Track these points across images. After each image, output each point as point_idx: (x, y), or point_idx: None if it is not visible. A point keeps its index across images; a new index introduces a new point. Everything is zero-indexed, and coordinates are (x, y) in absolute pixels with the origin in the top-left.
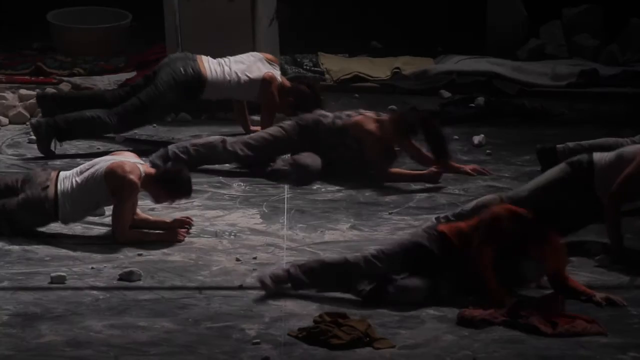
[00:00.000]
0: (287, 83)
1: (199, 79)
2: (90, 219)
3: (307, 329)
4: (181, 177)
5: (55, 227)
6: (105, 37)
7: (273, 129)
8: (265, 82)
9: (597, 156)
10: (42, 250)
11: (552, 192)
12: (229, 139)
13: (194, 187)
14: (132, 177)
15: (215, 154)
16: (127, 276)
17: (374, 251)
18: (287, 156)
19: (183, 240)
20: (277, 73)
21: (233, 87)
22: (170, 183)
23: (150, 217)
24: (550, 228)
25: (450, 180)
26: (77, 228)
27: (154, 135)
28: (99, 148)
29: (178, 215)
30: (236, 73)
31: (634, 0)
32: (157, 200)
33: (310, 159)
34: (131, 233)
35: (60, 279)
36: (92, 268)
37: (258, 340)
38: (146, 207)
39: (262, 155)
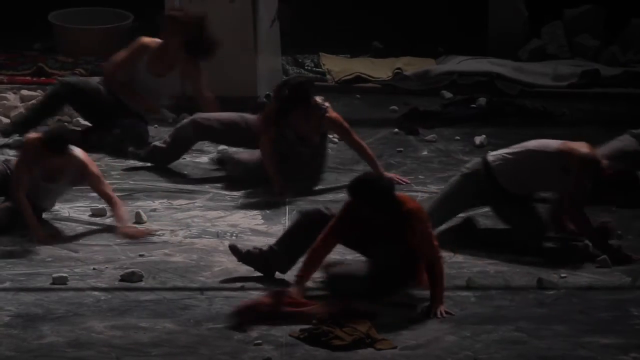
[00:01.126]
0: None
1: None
2: (92, 219)
3: (309, 330)
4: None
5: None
6: (106, 37)
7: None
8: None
9: (491, 157)
10: (44, 251)
11: (458, 201)
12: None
13: (195, 188)
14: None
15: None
16: (128, 277)
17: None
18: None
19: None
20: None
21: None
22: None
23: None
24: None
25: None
26: (78, 229)
27: (156, 135)
28: None
29: (180, 215)
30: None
31: (635, 0)
32: None
33: (247, 155)
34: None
35: (62, 280)
36: (94, 269)
37: (260, 341)
38: (148, 208)
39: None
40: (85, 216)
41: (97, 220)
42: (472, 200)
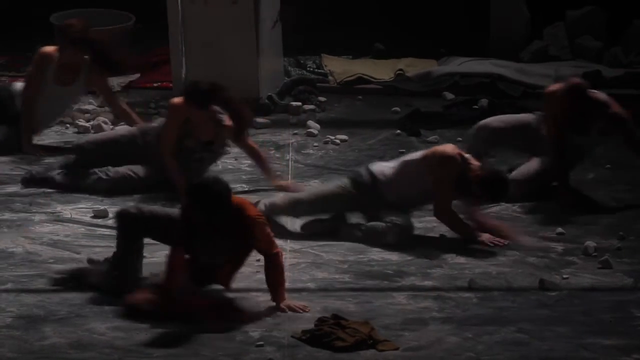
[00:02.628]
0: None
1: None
2: (94, 221)
3: (311, 331)
4: None
5: (56, 229)
6: (108, 39)
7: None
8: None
9: (377, 168)
10: (46, 252)
11: (336, 203)
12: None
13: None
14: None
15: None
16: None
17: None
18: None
19: None
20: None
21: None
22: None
23: None
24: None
25: None
26: (80, 230)
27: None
28: None
29: None
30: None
31: (637, 2)
32: None
33: (134, 169)
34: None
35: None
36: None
37: (262, 343)
38: None
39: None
40: (87, 217)
41: (99, 222)
42: (349, 205)
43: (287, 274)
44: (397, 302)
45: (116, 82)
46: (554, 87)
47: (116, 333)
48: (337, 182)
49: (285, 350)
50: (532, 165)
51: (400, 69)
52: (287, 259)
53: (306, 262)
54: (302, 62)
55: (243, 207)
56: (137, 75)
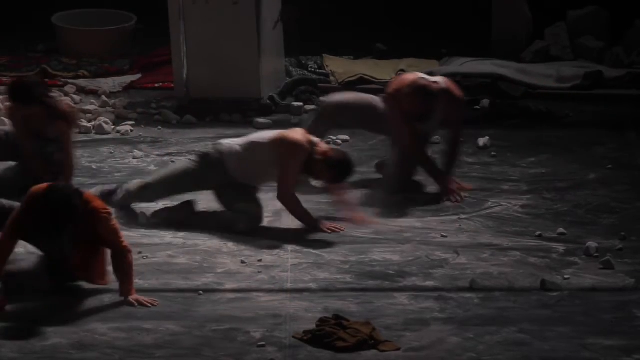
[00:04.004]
0: None
1: None
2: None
3: (312, 332)
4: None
5: None
6: (110, 39)
7: None
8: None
9: (225, 145)
10: None
11: (184, 181)
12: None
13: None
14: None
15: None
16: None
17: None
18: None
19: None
20: None
21: None
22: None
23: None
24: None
25: (455, 182)
26: None
27: (159, 137)
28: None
29: None
30: None
31: (639, 2)
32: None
33: None
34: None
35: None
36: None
37: (263, 343)
38: (150, 209)
39: None
40: None
41: None
42: (198, 183)
43: (289, 274)
44: (398, 302)
45: (117, 82)
46: (395, 86)
47: (117, 333)
48: (185, 160)
49: (287, 351)
50: (394, 159)
51: (402, 70)
52: (289, 260)
53: (308, 262)
54: (303, 62)
55: (88, 201)
56: (139, 76)
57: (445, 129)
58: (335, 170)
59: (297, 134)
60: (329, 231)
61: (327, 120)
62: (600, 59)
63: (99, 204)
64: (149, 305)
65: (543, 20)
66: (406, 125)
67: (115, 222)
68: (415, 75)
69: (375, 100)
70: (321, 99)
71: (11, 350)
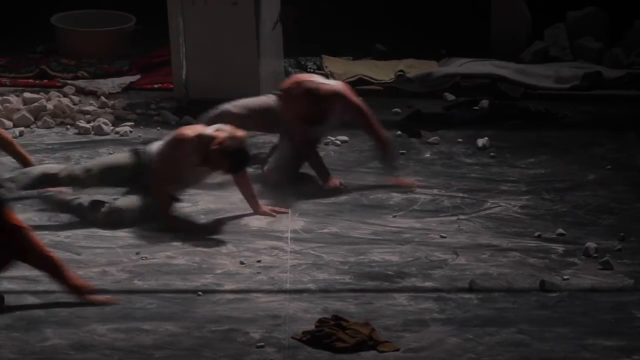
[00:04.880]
0: None
1: None
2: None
3: (311, 332)
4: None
5: (57, 230)
6: (109, 40)
7: None
8: None
9: (154, 146)
10: None
11: (116, 173)
12: None
13: (197, 190)
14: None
15: None
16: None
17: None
18: None
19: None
20: None
21: None
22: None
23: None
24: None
25: (454, 182)
26: (80, 231)
27: (158, 138)
28: None
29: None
30: None
31: (638, 2)
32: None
33: None
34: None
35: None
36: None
37: (262, 344)
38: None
39: None
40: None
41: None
42: (132, 178)
43: (288, 275)
44: (397, 303)
45: (116, 83)
46: (288, 86)
47: (117, 334)
48: (123, 154)
49: (286, 352)
50: (283, 152)
51: (401, 70)
52: (288, 260)
53: (307, 263)
54: (302, 62)
55: (10, 217)
56: (138, 76)
57: (366, 134)
58: (231, 160)
59: (190, 128)
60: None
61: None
62: (600, 60)
63: (19, 221)
64: (107, 303)
65: (542, 21)
66: (298, 124)
67: (32, 235)
68: (307, 77)
69: (271, 101)
70: (219, 106)
71: (11, 351)
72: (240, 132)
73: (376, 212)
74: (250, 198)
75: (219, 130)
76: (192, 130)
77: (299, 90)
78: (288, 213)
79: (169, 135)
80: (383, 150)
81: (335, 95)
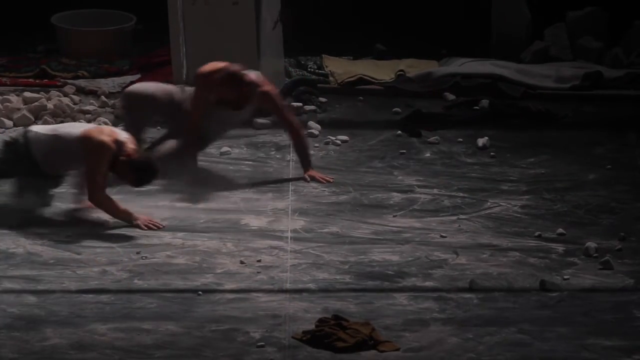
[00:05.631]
0: None
1: None
2: (95, 220)
3: (312, 332)
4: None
5: (57, 229)
6: (109, 39)
7: None
8: None
9: (34, 133)
10: (47, 252)
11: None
12: None
13: (197, 190)
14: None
15: None
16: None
17: None
18: None
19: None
20: None
21: None
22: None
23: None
24: None
25: (454, 182)
26: (81, 231)
27: (156, 137)
28: None
29: (183, 216)
30: None
31: (638, 2)
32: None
33: None
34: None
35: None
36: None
37: (262, 343)
38: (151, 209)
39: None
40: (88, 216)
41: (101, 222)
42: (10, 169)
43: (289, 275)
44: (398, 302)
45: (117, 82)
46: (207, 71)
47: (117, 334)
48: None
49: (286, 351)
50: (171, 141)
51: (401, 70)
52: (288, 260)
53: (307, 262)
54: (303, 62)
55: None
56: (138, 76)
57: (281, 127)
58: (137, 174)
59: (104, 133)
60: (145, 227)
61: (135, 111)
62: (600, 60)
63: None
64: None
65: (542, 21)
66: (201, 110)
67: None
68: (226, 64)
69: (174, 90)
70: (124, 89)
71: (11, 351)
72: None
73: (376, 212)
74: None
75: (132, 140)
76: (107, 134)
77: (222, 74)
78: (332, 181)
79: (68, 129)
80: (296, 142)
81: (255, 81)
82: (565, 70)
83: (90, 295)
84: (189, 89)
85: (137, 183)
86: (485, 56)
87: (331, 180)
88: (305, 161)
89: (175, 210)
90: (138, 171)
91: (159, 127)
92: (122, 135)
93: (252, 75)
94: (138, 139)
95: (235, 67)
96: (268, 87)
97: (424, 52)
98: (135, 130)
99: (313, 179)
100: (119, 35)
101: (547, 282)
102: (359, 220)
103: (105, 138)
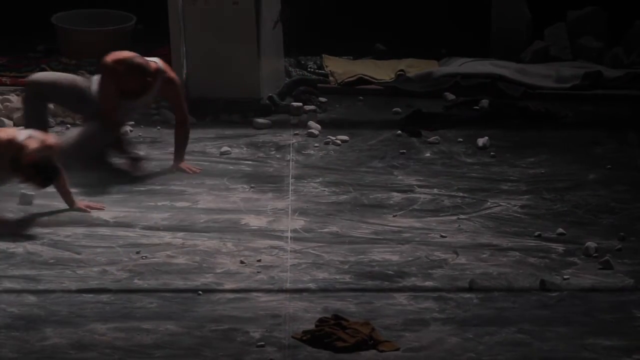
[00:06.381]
0: None
1: None
2: (95, 220)
3: (312, 332)
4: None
5: (57, 229)
6: (109, 39)
7: None
8: None
9: None
10: (47, 252)
11: None
12: None
13: (199, 190)
14: None
15: None
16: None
17: None
18: None
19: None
20: None
21: None
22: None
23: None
24: None
25: (454, 182)
26: (80, 230)
27: (159, 137)
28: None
29: (183, 216)
30: None
31: (638, 2)
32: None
33: None
34: None
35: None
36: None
37: (262, 343)
38: (151, 209)
39: None
40: (87, 217)
41: (101, 222)
42: None
43: (289, 275)
44: (397, 302)
45: None
46: (112, 61)
47: (117, 333)
48: None
49: (286, 351)
50: (76, 130)
51: (401, 70)
52: (288, 260)
53: (307, 262)
54: (303, 62)
55: None
56: None
57: (172, 113)
58: (43, 175)
59: (5, 132)
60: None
61: (37, 101)
62: (600, 59)
63: None
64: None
65: (542, 21)
66: (113, 100)
67: None
68: (127, 54)
69: (79, 80)
70: (28, 78)
71: (11, 350)
72: (50, 140)
73: (376, 212)
74: (65, 193)
75: (30, 139)
76: (7, 134)
77: (125, 65)
78: (103, 209)
79: None
80: (181, 134)
81: (159, 70)
82: (566, 70)
83: (90, 295)
84: (93, 77)
85: (44, 184)
86: (485, 56)
87: (198, 171)
88: (180, 154)
89: (175, 210)
90: (43, 173)
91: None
92: (23, 135)
93: (155, 62)
94: (43, 129)
95: (138, 57)
96: (171, 74)
97: (424, 52)
98: (38, 121)
99: (179, 169)
100: (119, 35)
101: (547, 282)
102: (359, 220)
103: (5, 137)
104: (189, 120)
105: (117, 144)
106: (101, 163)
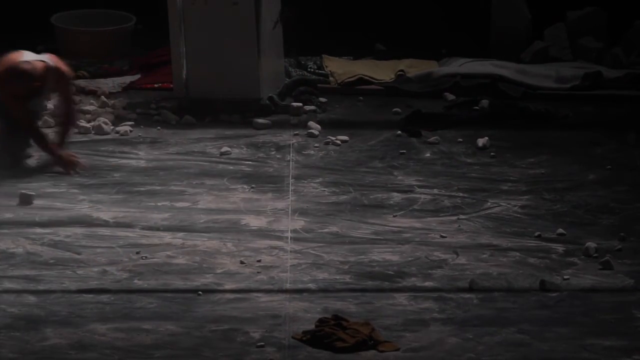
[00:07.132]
0: None
1: None
2: (95, 221)
3: (311, 332)
4: None
5: (57, 229)
6: (109, 39)
7: None
8: None
9: None
10: (47, 252)
11: None
12: None
13: (199, 190)
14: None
15: None
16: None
17: None
18: None
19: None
20: None
21: None
22: None
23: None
24: None
25: (454, 182)
26: (80, 231)
27: (159, 138)
28: None
29: (183, 216)
30: None
31: (638, 3)
32: None
33: None
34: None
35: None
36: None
37: (262, 343)
38: (150, 209)
39: None
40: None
41: (101, 222)
42: None
43: (289, 275)
44: (398, 302)
45: (117, 82)
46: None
47: (117, 334)
48: None
49: (286, 351)
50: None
51: (401, 70)
52: (288, 260)
53: (307, 262)
54: (303, 62)
55: None
56: (138, 76)
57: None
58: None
59: None
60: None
61: None
62: (600, 60)
63: None
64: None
65: (542, 21)
66: (16, 102)
67: None
68: (15, 59)
69: None
70: None
71: (10, 351)
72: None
73: (376, 212)
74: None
75: None
76: None
77: (9, 74)
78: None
79: None
80: (66, 128)
81: (48, 69)
82: (566, 70)
83: (90, 295)
84: None
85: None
86: (485, 56)
87: (85, 166)
88: (61, 144)
89: (175, 210)
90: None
91: None
92: None
93: (44, 60)
94: None
95: (24, 62)
96: (63, 68)
97: (424, 52)
98: None
99: (59, 161)
100: (119, 35)
101: (547, 282)
102: (359, 220)
103: None
104: (76, 118)
105: (37, 140)
106: (20, 157)
